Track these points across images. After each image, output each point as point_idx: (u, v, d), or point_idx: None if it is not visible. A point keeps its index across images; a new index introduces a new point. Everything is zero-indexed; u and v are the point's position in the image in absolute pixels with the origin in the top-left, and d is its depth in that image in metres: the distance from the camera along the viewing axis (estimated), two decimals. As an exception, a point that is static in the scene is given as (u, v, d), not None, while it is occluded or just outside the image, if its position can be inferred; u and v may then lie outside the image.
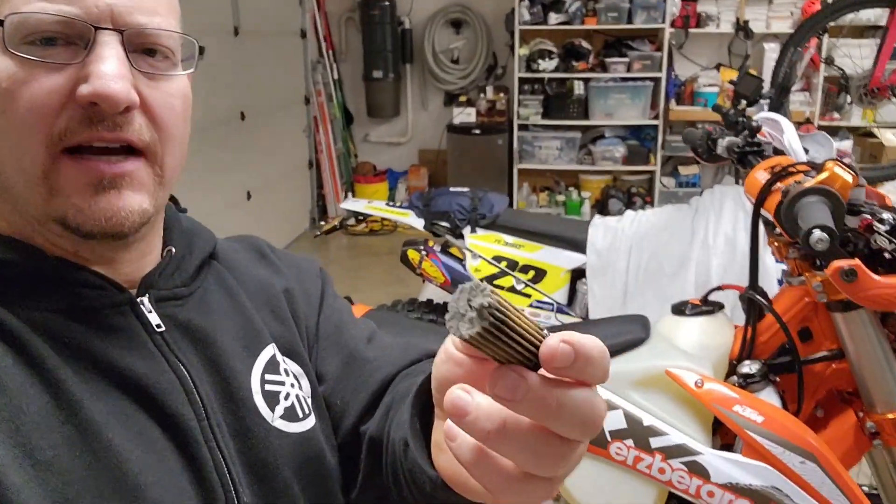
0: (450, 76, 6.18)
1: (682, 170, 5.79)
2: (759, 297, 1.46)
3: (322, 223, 6.06)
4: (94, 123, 0.58)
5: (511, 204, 5.67)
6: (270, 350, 0.73)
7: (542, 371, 0.40)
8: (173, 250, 0.71)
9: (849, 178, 1.16)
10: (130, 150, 0.60)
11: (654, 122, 5.60)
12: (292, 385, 0.73)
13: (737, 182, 3.08)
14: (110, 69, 0.57)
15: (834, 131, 5.32)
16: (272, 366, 0.73)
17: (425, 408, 0.60)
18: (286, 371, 0.74)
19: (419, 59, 6.22)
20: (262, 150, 5.13)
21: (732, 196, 2.66)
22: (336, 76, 6.20)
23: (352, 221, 2.98)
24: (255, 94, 5.02)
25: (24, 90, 0.57)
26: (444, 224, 2.82)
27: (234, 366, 0.69)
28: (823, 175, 1.18)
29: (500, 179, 5.81)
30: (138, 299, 0.66)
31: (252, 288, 0.77)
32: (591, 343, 0.39)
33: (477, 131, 5.83)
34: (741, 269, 2.50)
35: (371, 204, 2.95)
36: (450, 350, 0.47)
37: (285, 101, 5.68)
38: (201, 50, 0.68)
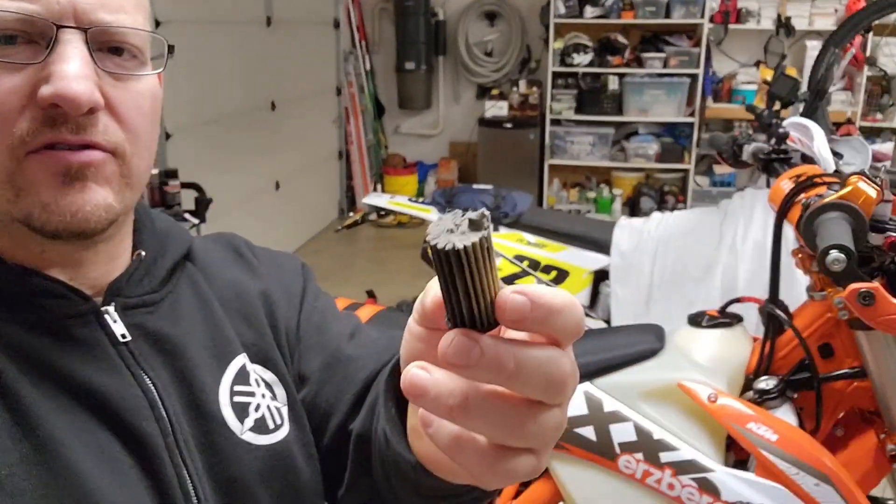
0: (483, 69, 6.13)
1: (717, 168, 5.68)
2: (778, 311, 1.41)
3: (350, 214, 6.08)
4: (57, 125, 0.56)
5: (540, 201, 5.64)
6: (241, 360, 0.71)
7: (507, 332, 0.37)
8: (143, 254, 0.69)
9: (873, 193, 1.11)
10: (96, 149, 0.59)
11: (690, 120, 5.49)
12: (263, 395, 0.71)
13: (768, 185, 3.00)
14: (72, 69, 0.55)
15: (877, 132, 5.17)
16: (242, 376, 0.71)
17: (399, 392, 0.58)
18: (257, 381, 0.72)
19: (452, 52, 6.18)
20: (291, 140, 5.15)
21: (763, 200, 2.58)
22: (368, 67, 6.18)
23: (374, 216, 2.97)
24: (287, 83, 5.03)
25: None
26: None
27: (203, 378, 0.67)
28: (846, 190, 1.13)
29: (531, 174, 5.76)
30: (103, 308, 0.64)
31: (225, 292, 0.74)
32: (552, 293, 0.35)
33: (509, 125, 5.78)
34: (768, 275, 2.43)
35: (393, 199, 2.93)
36: (411, 326, 0.43)
37: (316, 91, 5.68)
38: (171, 49, 0.65)
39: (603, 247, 2.66)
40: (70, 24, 0.56)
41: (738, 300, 1.53)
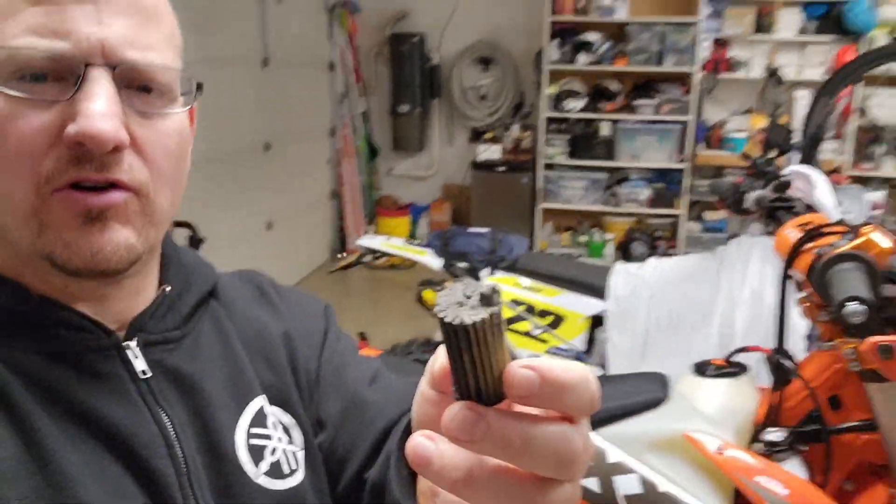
0: (476, 112, 6.18)
1: (708, 215, 5.70)
2: (786, 361, 1.39)
3: (343, 255, 6.04)
4: (82, 163, 0.56)
5: (532, 244, 5.64)
6: (259, 402, 0.71)
7: (517, 406, 0.36)
8: (168, 289, 0.69)
9: (887, 244, 1.10)
10: (119, 186, 0.58)
11: (681, 166, 5.53)
12: (280, 439, 0.71)
13: (766, 226, 3.01)
14: (98, 107, 0.55)
15: (865, 181, 5.22)
16: (260, 419, 0.70)
17: None
18: (274, 424, 0.71)
19: (446, 95, 6.23)
20: (285, 181, 5.14)
21: (760, 248, 2.58)
22: (363, 109, 6.21)
23: (369, 258, 2.95)
24: (281, 124, 5.04)
25: (11, 129, 0.55)
26: (462, 265, 2.77)
27: (220, 418, 0.66)
28: (860, 240, 1.12)
29: (524, 218, 5.77)
30: (125, 343, 0.63)
31: (247, 332, 0.74)
32: (563, 367, 0.34)
33: (502, 168, 5.81)
34: (767, 325, 2.41)
35: (389, 241, 2.91)
36: (423, 389, 0.42)
37: (311, 132, 5.70)
38: (199, 86, 0.64)
39: (599, 292, 2.65)
40: (98, 62, 0.56)
41: (744, 349, 1.51)
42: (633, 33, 5.43)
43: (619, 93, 5.60)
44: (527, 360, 0.35)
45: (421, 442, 0.36)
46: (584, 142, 5.64)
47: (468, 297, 0.34)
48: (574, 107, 5.57)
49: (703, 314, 2.50)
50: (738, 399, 1.46)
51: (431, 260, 2.79)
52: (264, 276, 0.83)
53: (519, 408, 0.36)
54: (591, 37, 5.51)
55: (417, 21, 6.09)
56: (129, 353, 0.63)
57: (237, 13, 4.44)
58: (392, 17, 6.12)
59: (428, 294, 2.62)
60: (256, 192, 4.68)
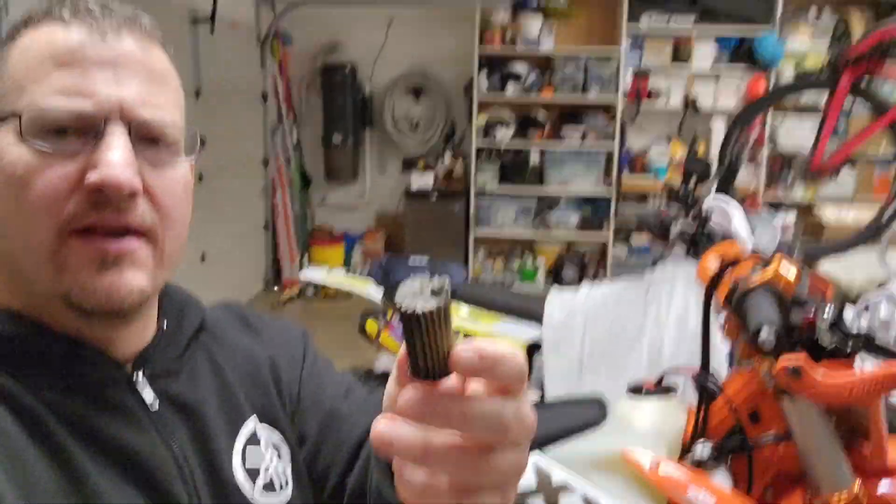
0: (409, 142, 6.28)
1: (635, 238, 5.93)
2: (710, 380, 1.51)
3: (280, 287, 6.03)
4: (101, 208, 0.62)
5: (466, 271, 5.74)
6: (251, 423, 0.77)
7: (468, 382, 0.44)
8: (166, 324, 0.75)
9: (793, 274, 1.23)
10: (133, 232, 0.64)
11: (608, 192, 5.75)
12: (271, 458, 0.77)
13: (687, 254, 3.18)
14: (117, 158, 0.61)
15: (777, 206, 5.53)
16: (252, 439, 0.77)
17: None
18: (265, 444, 0.78)
19: (379, 125, 6.32)
20: (218, 212, 5.12)
21: (683, 273, 2.73)
22: (295, 139, 6.25)
23: (311, 289, 2.99)
24: (214, 155, 5.03)
25: (37, 178, 0.61)
26: (402, 294, 2.84)
27: (219, 443, 0.73)
28: (770, 271, 1.25)
29: (457, 245, 5.88)
30: (133, 375, 0.69)
31: (236, 359, 0.80)
32: (495, 346, 0.42)
33: (434, 197, 5.92)
34: (692, 347, 2.54)
35: (331, 273, 2.97)
36: (390, 385, 0.50)
37: (244, 163, 5.69)
38: (202, 140, 0.73)
39: (536, 319, 2.75)
40: (116, 119, 0.63)
41: (673, 370, 1.62)
42: (558, 64, 5.65)
43: (546, 122, 5.80)
44: (466, 341, 0.42)
45: (383, 425, 0.43)
46: (514, 169, 5.81)
47: (422, 291, 0.42)
48: (503, 135, 5.74)
49: (633, 338, 2.63)
50: (669, 417, 1.58)
51: (373, 291, 2.85)
52: (244, 307, 0.90)
53: (472, 383, 0.44)
54: (519, 68, 5.70)
55: (349, 52, 6.18)
56: (137, 384, 0.69)
57: (169, 43, 4.44)
58: (323, 49, 6.19)
59: (371, 324, 2.68)
60: (191, 224, 4.65)
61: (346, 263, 6.17)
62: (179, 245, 0.70)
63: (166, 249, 0.67)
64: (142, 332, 0.72)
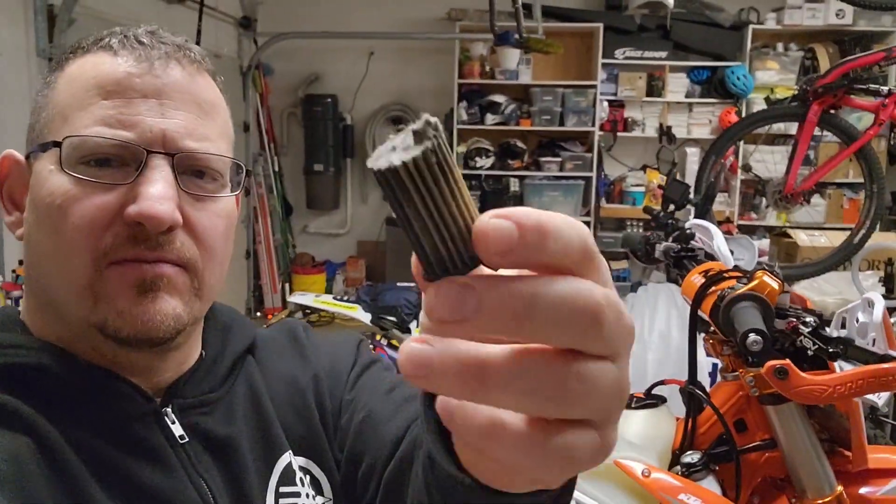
0: (389, 171, 6.34)
1: (613, 265, 6.03)
2: (698, 391, 1.57)
3: (258, 314, 6.04)
4: (138, 242, 0.60)
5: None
6: (286, 458, 0.73)
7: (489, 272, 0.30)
8: (204, 354, 0.73)
9: (776, 285, 1.31)
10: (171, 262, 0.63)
11: (587, 219, 5.86)
12: (307, 495, 0.73)
13: (668, 279, 3.27)
14: (157, 191, 0.60)
15: (751, 230, 5.67)
16: (287, 476, 0.73)
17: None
18: (301, 480, 0.74)
19: (360, 154, 6.39)
20: (202, 241, 5.13)
21: (665, 294, 2.82)
22: (277, 168, 6.30)
23: (299, 315, 3.03)
24: (198, 185, 5.06)
25: (75, 207, 0.60)
26: (391, 318, 2.89)
27: (251, 480, 0.69)
28: (754, 283, 1.33)
29: (439, 272, 5.92)
30: (163, 409, 0.66)
31: (277, 384, 0.77)
32: (538, 213, 0.29)
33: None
34: (675, 364, 2.64)
35: (319, 298, 3.01)
36: (423, 322, 0.34)
37: (226, 192, 5.72)
38: (248, 172, 0.72)
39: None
40: (159, 150, 0.62)
41: (661, 382, 1.69)
42: (536, 95, 5.78)
43: (525, 151, 5.91)
44: (495, 210, 0.29)
45: (414, 347, 0.29)
46: (494, 197, 5.91)
47: (402, 144, 0.28)
48: (483, 164, 5.84)
49: (617, 356, 2.70)
50: (658, 427, 1.64)
51: (361, 315, 2.90)
52: (300, 323, 0.86)
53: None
54: (498, 98, 5.83)
55: (330, 83, 6.27)
56: (166, 418, 0.66)
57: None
58: (305, 80, 6.28)
59: (361, 347, 2.72)
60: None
61: (328, 290, 6.20)
62: (219, 277, 0.68)
63: (204, 281, 0.65)
64: (180, 362, 0.70)
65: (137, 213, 0.59)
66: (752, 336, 1.20)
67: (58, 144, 0.61)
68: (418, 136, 0.28)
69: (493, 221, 0.28)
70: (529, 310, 0.28)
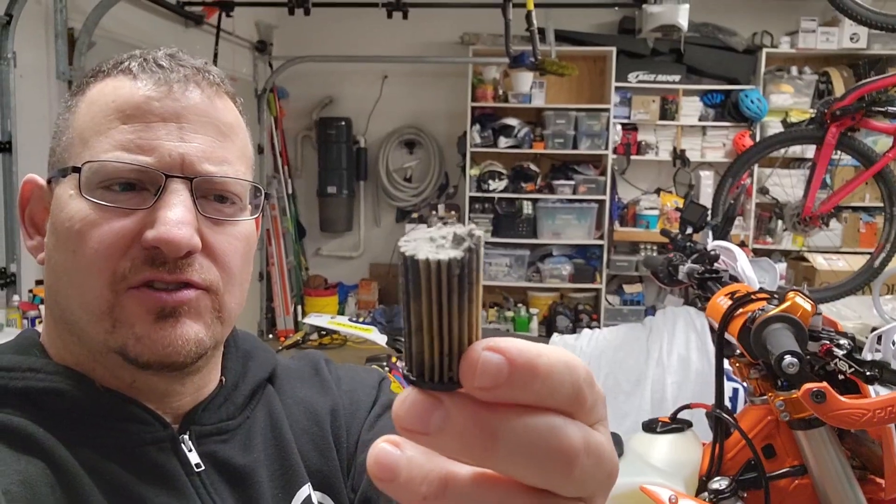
0: (403, 194, 6.37)
1: (627, 288, 6.00)
2: (725, 414, 1.54)
3: (269, 337, 6.02)
4: (157, 266, 0.60)
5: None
6: (306, 490, 0.72)
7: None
8: (224, 380, 0.72)
9: (808, 306, 1.28)
10: (190, 286, 0.62)
11: (600, 242, 5.84)
12: None
13: (687, 303, 3.24)
14: (175, 215, 0.60)
15: (767, 255, 5.63)
16: None
17: None
18: None
19: (373, 177, 6.41)
20: (215, 262, 5.15)
21: (684, 317, 2.79)
22: (290, 191, 6.32)
23: (314, 336, 3.02)
24: (212, 207, 5.08)
25: (94, 232, 0.60)
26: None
27: None
28: (786, 303, 1.30)
29: (451, 295, 5.90)
30: (180, 436, 0.66)
31: (297, 414, 0.76)
32: (537, 350, 0.27)
33: (429, 247, 5.96)
34: (694, 388, 2.60)
35: (334, 319, 3.00)
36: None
37: (240, 214, 5.73)
38: (267, 196, 0.71)
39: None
40: (177, 175, 0.62)
41: (687, 406, 1.66)
42: (549, 119, 5.78)
43: (538, 174, 5.91)
44: (490, 340, 0.27)
45: (384, 449, 0.28)
46: (507, 220, 5.90)
47: (441, 239, 0.27)
48: (496, 187, 5.84)
49: (636, 380, 2.67)
50: (685, 452, 1.61)
51: (377, 337, 2.88)
52: (321, 355, 0.85)
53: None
54: (511, 122, 5.84)
55: (344, 106, 6.31)
56: (183, 446, 0.65)
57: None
58: (319, 103, 6.32)
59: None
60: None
61: (340, 313, 6.19)
62: (239, 300, 0.67)
63: (225, 304, 0.65)
64: (199, 387, 0.69)
65: (155, 237, 0.59)
66: (789, 358, 1.18)
67: (77, 170, 0.61)
68: (457, 241, 0.27)
69: (484, 355, 0.27)
70: (494, 441, 0.27)
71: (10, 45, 2.98)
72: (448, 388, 0.28)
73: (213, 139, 0.64)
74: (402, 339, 0.29)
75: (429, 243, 0.27)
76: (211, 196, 0.64)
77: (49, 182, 0.66)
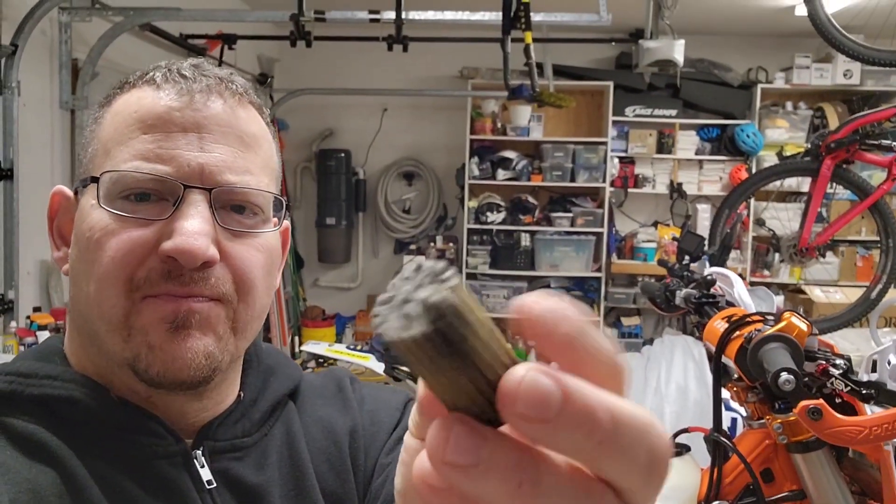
0: (401, 225, 6.39)
1: (625, 321, 6.00)
2: (723, 438, 1.54)
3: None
4: (173, 277, 0.60)
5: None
6: None
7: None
8: (242, 396, 0.71)
9: (804, 326, 1.29)
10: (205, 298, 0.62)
11: (597, 275, 5.85)
12: None
13: (685, 332, 3.25)
14: (192, 227, 0.59)
15: (765, 287, 5.64)
16: None
17: None
18: None
19: (372, 208, 6.44)
20: (213, 292, 5.14)
21: (681, 346, 2.80)
22: (289, 221, 6.33)
23: (312, 364, 3.01)
24: (211, 236, 5.09)
25: (112, 242, 0.60)
26: (404, 369, 2.87)
27: None
28: (782, 323, 1.31)
29: (449, 326, 5.90)
30: (193, 451, 0.65)
31: (315, 433, 0.74)
32: (601, 394, 0.24)
33: (427, 278, 5.97)
34: (693, 416, 2.60)
35: (332, 347, 3.00)
36: (408, 443, 0.32)
37: (239, 244, 5.75)
38: (289, 208, 0.71)
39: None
40: (196, 185, 0.61)
41: (685, 430, 1.66)
42: (547, 152, 5.83)
43: (536, 206, 5.95)
44: (536, 364, 0.24)
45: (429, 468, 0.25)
46: (505, 252, 5.92)
47: (412, 293, 0.25)
48: (494, 219, 5.87)
49: (634, 409, 2.67)
50: (683, 477, 1.60)
51: (374, 365, 2.88)
52: (347, 373, 0.83)
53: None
54: (510, 154, 5.89)
55: (344, 138, 6.35)
56: (195, 461, 0.64)
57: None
58: (319, 134, 6.37)
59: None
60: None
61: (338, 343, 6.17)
62: (256, 314, 0.66)
63: (240, 317, 0.64)
64: (217, 403, 0.68)
65: (172, 248, 0.59)
66: (785, 375, 1.18)
67: (96, 180, 0.62)
68: (428, 309, 0.24)
69: (530, 374, 0.23)
70: (614, 430, 0.24)
71: (14, 74, 3.01)
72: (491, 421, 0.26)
73: (235, 149, 0.64)
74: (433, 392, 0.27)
75: (398, 310, 0.25)
76: (231, 207, 0.64)
77: (75, 193, 0.67)
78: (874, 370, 1.40)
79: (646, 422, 0.24)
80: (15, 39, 3.00)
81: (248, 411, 0.70)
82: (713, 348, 1.57)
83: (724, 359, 1.55)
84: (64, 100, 3.42)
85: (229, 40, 4.84)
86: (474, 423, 0.25)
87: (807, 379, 1.31)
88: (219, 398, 0.68)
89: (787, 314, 1.33)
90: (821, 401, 1.22)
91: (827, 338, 3.42)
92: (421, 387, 0.27)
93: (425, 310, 0.24)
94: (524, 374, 0.23)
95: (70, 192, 0.68)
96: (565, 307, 0.25)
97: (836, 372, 1.26)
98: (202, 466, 0.64)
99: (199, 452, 0.65)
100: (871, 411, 1.32)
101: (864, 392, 1.20)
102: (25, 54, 3.05)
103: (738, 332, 1.47)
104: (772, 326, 1.34)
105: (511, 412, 0.23)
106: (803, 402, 1.22)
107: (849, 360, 1.34)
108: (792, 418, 1.33)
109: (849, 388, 1.22)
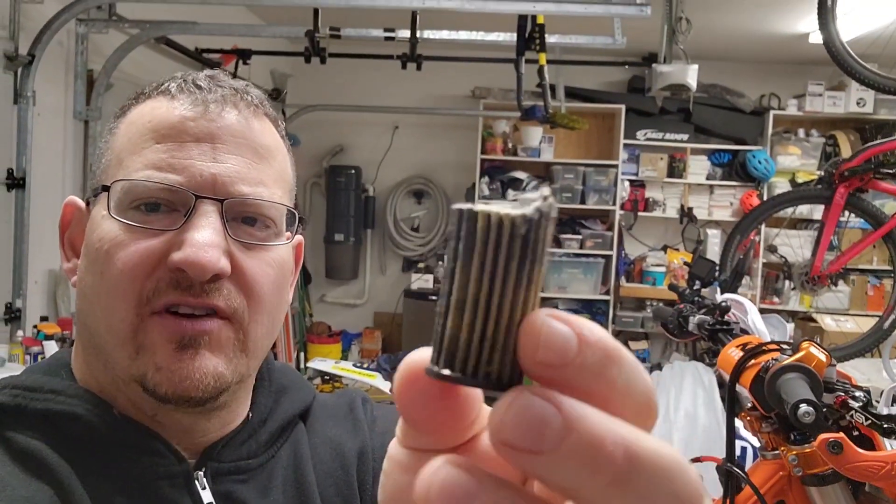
0: (409, 243, 6.39)
1: (633, 345, 5.95)
2: (736, 469, 1.51)
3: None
4: (182, 289, 0.58)
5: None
6: None
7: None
8: (251, 416, 0.69)
9: (823, 357, 1.27)
10: (215, 313, 0.60)
11: (606, 298, 5.82)
12: None
13: (694, 357, 3.22)
14: (202, 238, 0.58)
15: (774, 314, 5.60)
16: None
17: None
18: None
19: (380, 225, 6.43)
20: (220, 306, 5.14)
21: (691, 372, 2.77)
22: (301, 237, 6.33)
23: (318, 381, 2.99)
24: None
25: (121, 253, 0.59)
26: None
27: None
28: (800, 353, 1.29)
29: (455, 346, 5.87)
30: (195, 472, 0.63)
31: (323, 454, 0.72)
32: (609, 336, 0.22)
33: (434, 297, 5.96)
34: (702, 444, 2.56)
35: (338, 364, 2.98)
36: (392, 452, 0.27)
37: (247, 258, 5.75)
38: (302, 221, 0.68)
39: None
40: (208, 195, 0.60)
41: (697, 460, 1.63)
42: (558, 173, 5.83)
43: (545, 227, 5.93)
44: (551, 310, 0.23)
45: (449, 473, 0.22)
46: (513, 273, 5.89)
47: (510, 203, 0.24)
48: (504, 239, 5.85)
49: (642, 435, 2.64)
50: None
51: (380, 383, 2.86)
52: (361, 394, 0.80)
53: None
54: (520, 175, 5.88)
55: (354, 154, 6.36)
56: (197, 482, 0.62)
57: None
58: (330, 151, 6.38)
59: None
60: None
61: (343, 360, 6.15)
62: (267, 331, 0.64)
63: (250, 335, 0.62)
64: (225, 423, 0.66)
65: (181, 259, 0.58)
66: (805, 407, 1.16)
67: (107, 189, 0.61)
68: (524, 203, 0.23)
69: (548, 321, 0.22)
70: (629, 471, 0.20)
71: (30, 84, 3.03)
72: (483, 387, 0.23)
73: (249, 161, 0.63)
74: (436, 320, 0.24)
75: (495, 204, 0.23)
76: (243, 219, 0.62)
77: (87, 204, 0.66)
78: (895, 403, 1.37)
79: (672, 461, 0.21)
80: (32, 50, 3.02)
81: (256, 432, 0.68)
82: (727, 376, 1.54)
83: (737, 387, 1.52)
84: (78, 110, 3.43)
85: (244, 55, 4.86)
86: (537, 391, 0.21)
87: (825, 410, 1.28)
88: (227, 418, 0.66)
89: (805, 343, 1.30)
90: (841, 434, 1.19)
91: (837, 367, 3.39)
92: (410, 356, 0.25)
93: (523, 201, 0.23)
94: (545, 318, 0.22)
95: (82, 203, 0.67)
96: (594, 326, 0.22)
97: (855, 405, 1.23)
98: (203, 488, 0.62)
99: (202, 473, 0.63)
100: (891, 446, 1.29)
101: (885, 426, 1.17)
102: (41, 64, 3.07)
103: (753, 361, 1.45)
104: (789, 356, 1.32)
105: (532, 356, 0.22)
106: (823, 435, 1.19)
107: (868, 392, 1.31)
108: (808, 450, 1.30)
109: (869, 421, 1.20)
